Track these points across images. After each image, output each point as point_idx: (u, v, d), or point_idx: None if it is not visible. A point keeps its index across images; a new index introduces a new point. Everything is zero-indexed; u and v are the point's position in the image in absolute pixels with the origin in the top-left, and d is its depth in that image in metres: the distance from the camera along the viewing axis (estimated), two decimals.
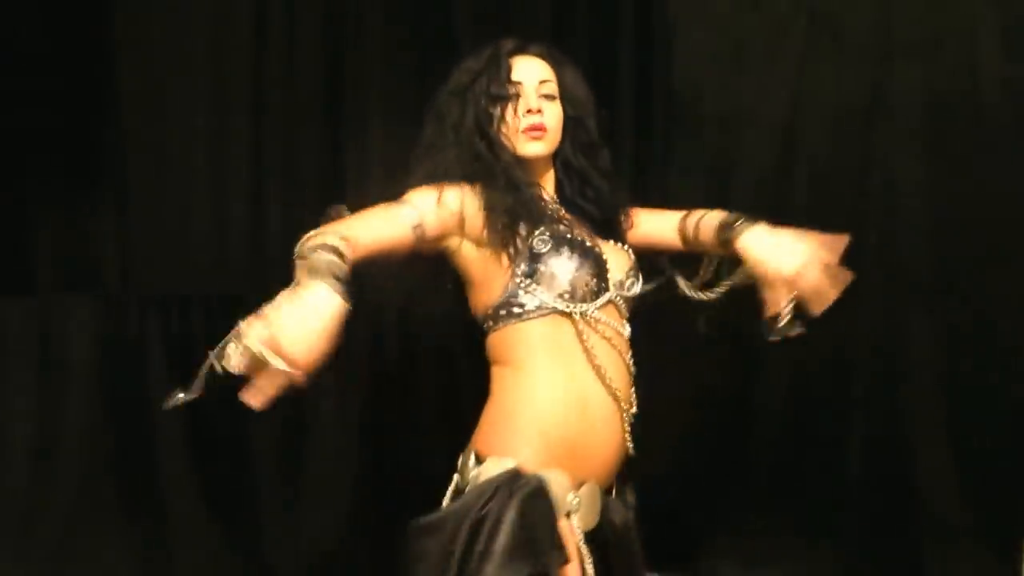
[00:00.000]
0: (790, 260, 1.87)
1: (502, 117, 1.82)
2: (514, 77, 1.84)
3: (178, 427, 3.02)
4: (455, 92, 1.86)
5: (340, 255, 1.62)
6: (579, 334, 1.77)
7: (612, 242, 1.93)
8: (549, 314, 1.77)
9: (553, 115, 1.85)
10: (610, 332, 1.81)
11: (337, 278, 1.57)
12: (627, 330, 1.86)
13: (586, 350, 1.78)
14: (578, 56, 2.94)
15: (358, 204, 2.98)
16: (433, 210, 1.77)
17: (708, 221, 1.95)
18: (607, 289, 1.81)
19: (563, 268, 1.76)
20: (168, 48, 3.02)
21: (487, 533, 1.64)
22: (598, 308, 1.78)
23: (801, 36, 2.91)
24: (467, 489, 1.73)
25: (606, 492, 1.85)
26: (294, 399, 3.08)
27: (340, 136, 3.01)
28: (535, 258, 1.75)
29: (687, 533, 3.05)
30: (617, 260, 1.88)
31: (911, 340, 2.90)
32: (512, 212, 1.76)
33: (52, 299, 3.02)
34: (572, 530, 1.74)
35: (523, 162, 1.86)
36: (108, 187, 3.05)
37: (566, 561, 1.70)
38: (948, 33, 2.83)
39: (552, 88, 1.86)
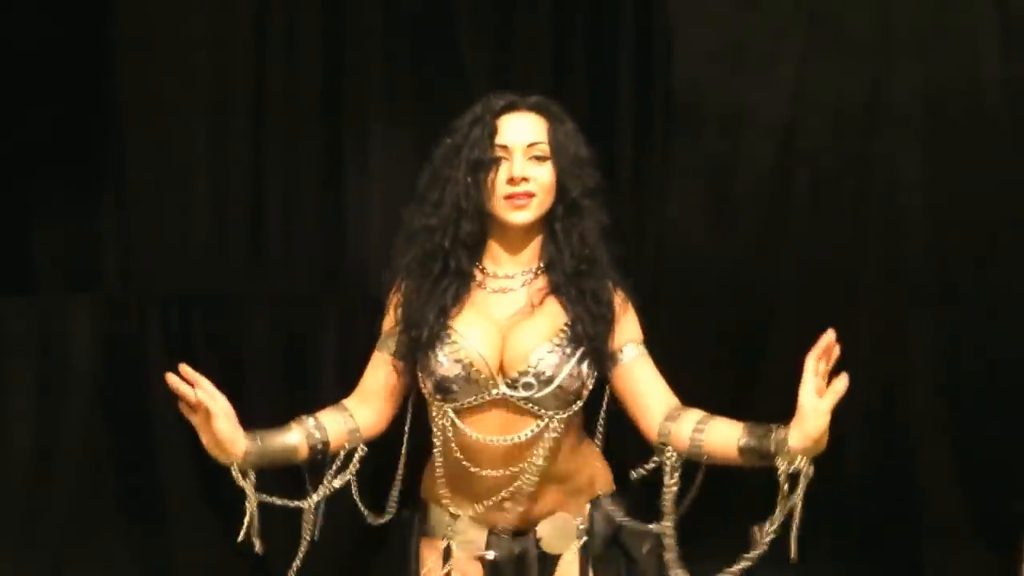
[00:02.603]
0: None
1: (485, 183, 1.73)
2: (500, 140, 1.73)
3: (178, 427, 3.02)
4: (444, 154, 1.78)
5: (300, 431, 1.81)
6: (450, 427, 1.76)
7: (552, 316, 1.76)
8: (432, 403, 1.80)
9: (541, 180, 1.74)
10: (493, 440, 1.74)
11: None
12: (525, 433, 1.73)
13: (453, 441, 1.78)
14: (578, 56, 2.96)
15: (358, 204, 3.01)
16: (390, 328, 1.84)
17: (718, 435, 1.74)
18: (475, 393, 1.73)
19: (434, 369, 1.74)
20: (168, 48, 3.02)
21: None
22: (469, 409, 1.73)
23: (801, 36, 2.92)
24: None
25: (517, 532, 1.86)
26: (294, 400, 3.10)
27: (340, 136, 3.01)
28: (424, 355, 1.76)
29: (687, 534, 3.05)
30: (522, 342, 1.73)
31: (911, 341, 2.90)
32: (420, 309, 1.76)
33: (52, 299, 3.02)
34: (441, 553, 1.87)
35: (502, 232, 1.79)
36: (108, 187, 3.05)
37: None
38: (948, 33, 2.83)
39: (544, 149, 1.74)
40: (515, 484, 1.77)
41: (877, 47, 2.88)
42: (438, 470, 1.83)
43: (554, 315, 1.76)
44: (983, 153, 2.83)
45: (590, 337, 1.74)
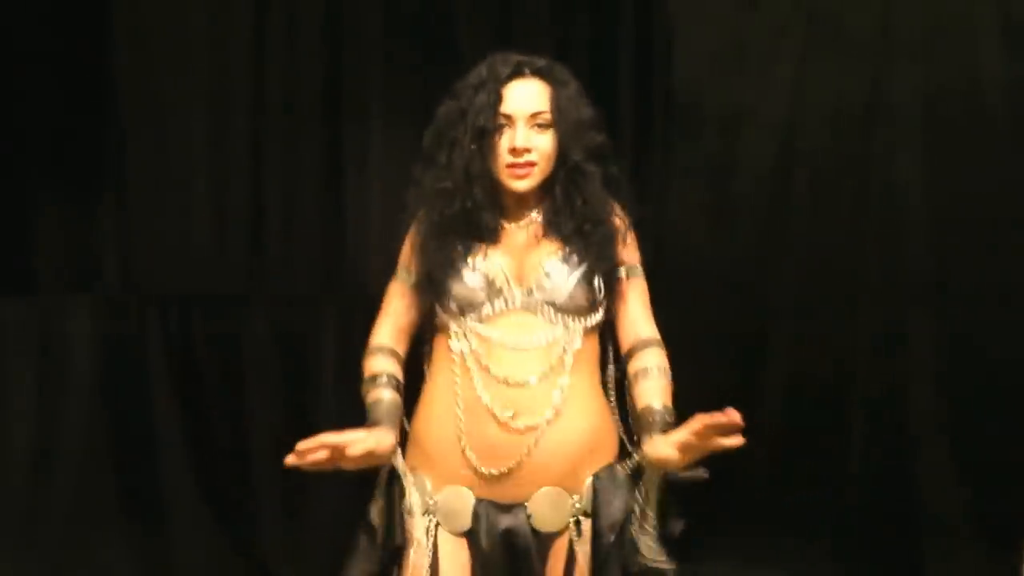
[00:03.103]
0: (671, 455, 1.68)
1: (490, 147, 1.77)
2: (505, 109, 1.76)
3: (178, 428, 3.02)
4: (449, 116, 1.80)
5: (394, 388, 1.78)
6: (467, 349, 1.76)
7: (556, 242, 1.81)
8: (439, 327, 1.80)
9: (543, 148, 1.77)
10: (517, 342, 1.75)
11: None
12: (547, 334, 1.75)
13: (473, 366, 1.76)
14: (578, 57, 2.96)
15: (358, 204, 3.01)
16: (408, 264, 1.86)
17: (640, 394, 1.78)
18: (495, 297, 1.76)
19: (452, 285, 1.76)
20: (168, 48, 3.02)
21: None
22: (477, 320, 1.75)
23: (801, 36, 2.92)
24: None
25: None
26: (294, 400, 3.11)
27: (340, 136, 3.01)
28: (445, 274, 1.78)
29: (687, 533, 3.05)
30: (536, 257, 1.79)
31: (911, 340, 2.91)
32: (440, 241, 1.78)
33: (52, 299, 3.02)
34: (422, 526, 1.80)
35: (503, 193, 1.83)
36: (108, 187, 3.05)
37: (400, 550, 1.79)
38: (948, 33, 2.84)
39: (546, 118, 1.77)
40: (537, 402, 1.73)
41: (877, 47, 2.88)
42: (435, 424, 1.79)
43: (557, 241, 1.81)
44: (983, 153, 2.83)
45: (596, 258, 1.79)
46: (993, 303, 2.85)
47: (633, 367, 1.80)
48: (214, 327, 3.05)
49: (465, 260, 1.77)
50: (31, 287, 3.02)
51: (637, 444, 1.77)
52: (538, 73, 1.79)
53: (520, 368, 1.74)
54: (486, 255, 1.78)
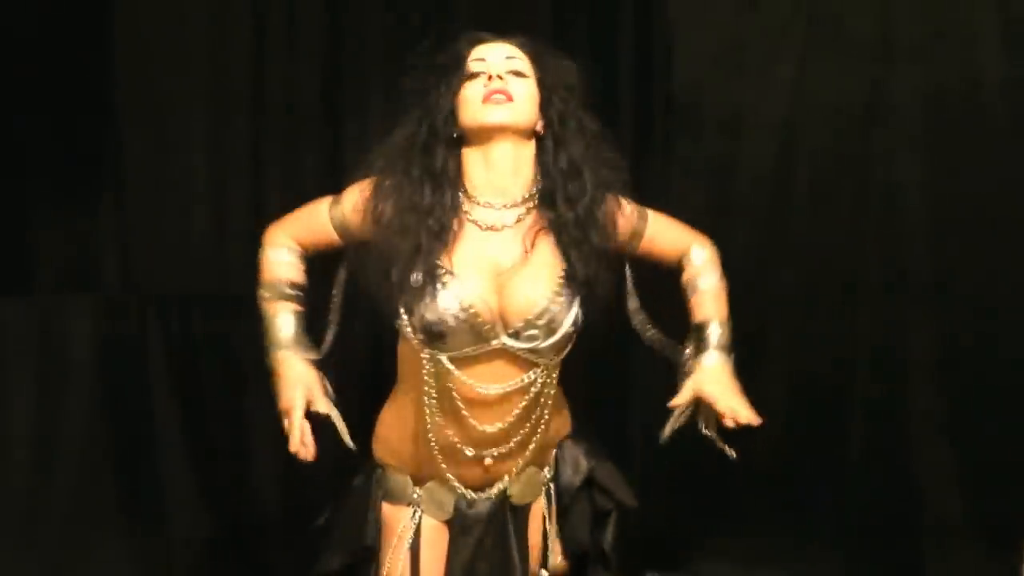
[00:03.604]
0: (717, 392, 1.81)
1: (463, 94, 1.71)
2: (477, 55, 1.75)
3: (178, 427, 3.02)
4: (419, 78, 1.78)
5: (294, 290, 1.83)
6: (440, 375, 1.70)
7: (549, 265, 1.73)
8: (419, 349, 1.72)
9: (521, 89, 1.72)
10: (488, 390, 1.70)
11: (297, 344, 1.80)
12: (522, 380, 1.70)
13: (443, 392, 1.71)
14: (578, 57, 2.95)
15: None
16: (352, 210, 1.81)
17: (696, 304, 1.89)
18: (475, 343, 1.67)
19: (425, 312, 1.65)
20: (168, 48, 3.02)
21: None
22: (464, 359, 1.67)
23: (801, 36, 2.92)
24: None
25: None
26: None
27: (340, 136, 3.01)
28: (405, 288, 1.68)
29: (687, 533, 3.05)
30: (525, 302, 1.68)
31: (911, 340, 2.90)
32: (401, 232, 1.69)
33: (52, 299, 3.02)
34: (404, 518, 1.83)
35: (481, 155, 1.73)
36: (108, 187, 3.04)
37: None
38: (948, 33, 2.83)
39: (522, 66, 1.74)
40: (510, 437, 1.73)
41: (877, 47, 2.88)
42: (406, 426, 1.79)
43: (550, 261, 1.72)
44: (983, 153, 2.83)
45: (588, 282, 1.72)
46: (993, 303, 2.85)
47: (684, 279, 1.88)
48: (214, 327, 3.05)
49: (437, 277, 1.62)
50: (31, 287, 3.02)
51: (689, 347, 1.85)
52: (513, 42, 1.81)
53: (487, 410, 1.71)
54: (466, 272, 1.65)
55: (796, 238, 2.95)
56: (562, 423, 1.92)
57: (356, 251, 1.82)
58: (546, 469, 1.88)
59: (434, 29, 2.95)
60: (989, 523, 2.85)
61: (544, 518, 1.88)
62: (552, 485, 1.89)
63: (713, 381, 1.77)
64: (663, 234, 1.91)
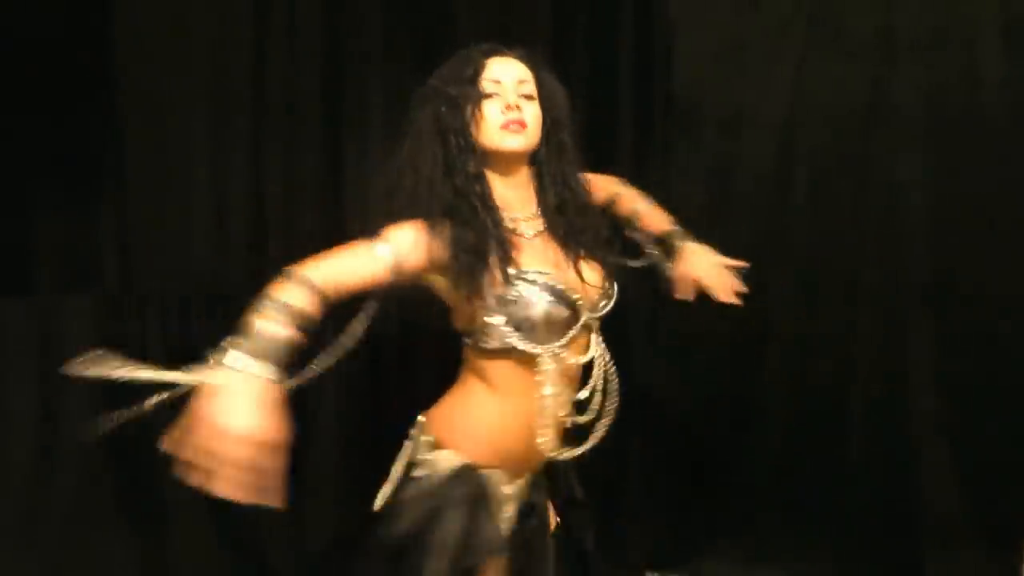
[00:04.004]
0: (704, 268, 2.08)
1: (480, 114, 1.80)
2: (492, 76, 1.82)
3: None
4: (431, 97, 1.83)
5: (298, 318, 1.70)
6: (537, 373, 1.83)
7: (584, 256, 1.92)
8: (511, 353, 1.82)
9: (532, 113, 1.84)
10: (571, 366, 1.87)
11: (275, 362, 1.64)
12: (593, 350, 1.90)
13: (538, 386, 1.83)
14: (578, 57, 2.96)
15: (358, 203, 3.01)
16: (409, 249, 1.78)
17: (649, 222, 2.13)
18: (576, 322, 1.84)
19: (530, 312, 1.79)
20: (168, 47, 3.02)
21: (436, 526, 1.83)
22: (563, 345, 1.83)
23: (801, 36, 2.92)
24: (422, 476, 1.91)
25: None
26: (295, 400, 3.09)
27: (340, 136, 3.01)
28: (501, 302, 1.79)
29: (687, 533, 3.05)
30: (590, 280, 1.90)
31: (911, 340, 2.91)
32: (476, 254, 1.77)
33: (52, 299, 3.01)
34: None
35: (497, 173, 1.86)
36: (108, 187, 3.04)
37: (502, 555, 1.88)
38: (948, 33, 2.84)
39: (531, 88, 1.85)
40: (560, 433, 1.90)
41: (877, 47, 2.88)
42: (487, 422, 1.88)
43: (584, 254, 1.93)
44: (983, 153, 2.83)
45: (614, 264, 1.97)
46: (993, 303, 2.85)
47: (623, 210, 2.12)
48: (214, 327, 3.05)
49: (522, 277, 1.79)
50: (31, 287, 3.02)
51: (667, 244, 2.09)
52: (517, 56, 1.88)
53: (569, 384, 1.88)
54: (545, 266, 1.83)
55: (796, 238, 2.95)
56: None
57: (399, 289, 1.84)
58: None
59: (434, 29, 2.96)
60: (989, 523, 2.86)
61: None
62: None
63: (704, 263, 2.06)
64: (596, 183, 2.08)
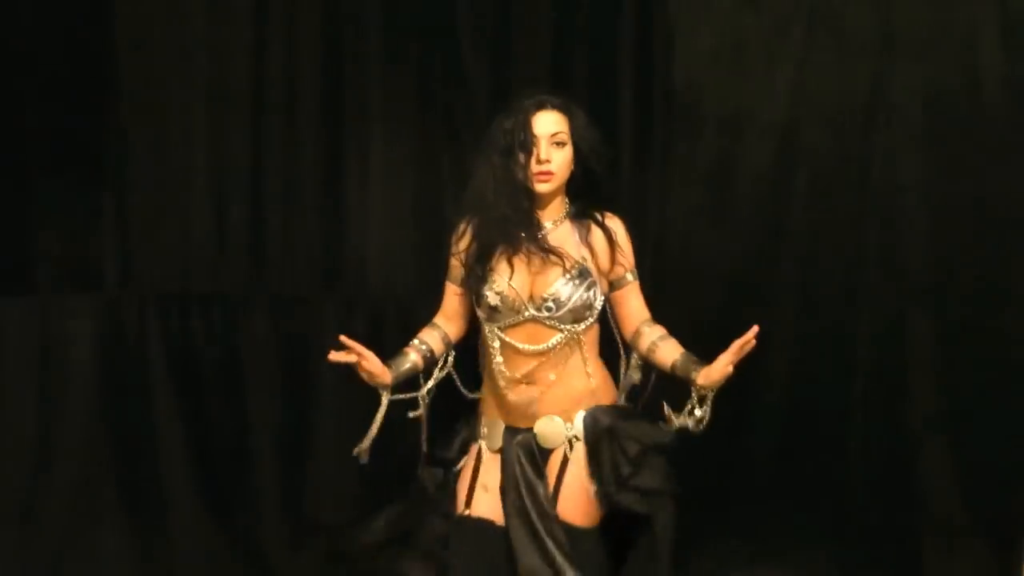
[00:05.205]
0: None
1: (526, 161, 2.32)
2: (533, 130, 2.32)
3: (178, 427, 3.02)
4: (493, 142, 2.34)
5: (418, 351, 2.42)
6: (498, 348, 2.37)
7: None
8: (484, 327, 2.40)
9: (561, 159, 2.34)
10: (527, 348, 2.34)
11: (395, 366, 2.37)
12: (552, 341, 2.34)
13: (499, 358, 2.37)
14: (578, 57, 2.96)
15: (358, 204, 3.02)
16: (455, 263, 2.43)
17: (663, 354, 2.38)
18: (516, 315, 2.33)
19: (487, 293, 2.34)
20: (168, 47, 3.02)
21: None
22: (511, 327, 2.33)
23: (801, 36, 2.92)
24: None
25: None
26: (294, 400, 3.10)
27: (340, 136, 3.01)
28: (477, 290, 2.37)
29: (687, 533, 3.04)
30: (546, 278, 2.32)
31: (911, 340, 2.91)
32: (484, 249, 2.35)
33: (52, 299, 3.02)
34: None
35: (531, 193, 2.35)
36: (108, 187, 3.05)
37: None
38: (948, 33, 2.84)
39: (563, 136, 2.35)
40: (539, 387, 2.35)
41: (877, 47, 2.88)
42: (485, 385, 2.45)
43: (569, 255, 2.35)
44: (983, 153, 2.83)
45: (599, 271, 2.37)
46: (993, 303, 2.85)
47: (646, 341, 2.41)
48: (214, 327, 3.05)
49: (488, 280, 2.33)
50: (31, 287, 3.02)
51: (689, 381, 2.31)
52: (557, 107, 2.36)
53: (531, 366, 2.35)
54: (504, 273, 2.32)
55: (796, 238, 2.95)
56: (595, 392, 2.41)
57: None
58: (568, 424, 2.38)
59: (434, 29, 2.96)
60: (989, 523, 2.86)
61: (564, 462, 2.38)
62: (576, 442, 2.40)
63: (721, 365, 2.27)
64: (636, 298, 2.45)
